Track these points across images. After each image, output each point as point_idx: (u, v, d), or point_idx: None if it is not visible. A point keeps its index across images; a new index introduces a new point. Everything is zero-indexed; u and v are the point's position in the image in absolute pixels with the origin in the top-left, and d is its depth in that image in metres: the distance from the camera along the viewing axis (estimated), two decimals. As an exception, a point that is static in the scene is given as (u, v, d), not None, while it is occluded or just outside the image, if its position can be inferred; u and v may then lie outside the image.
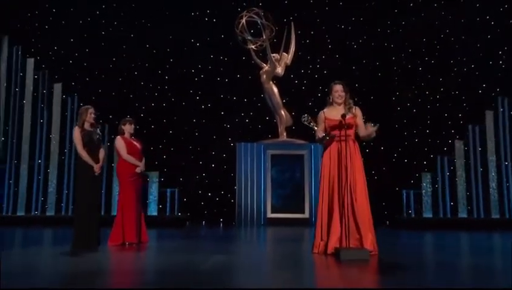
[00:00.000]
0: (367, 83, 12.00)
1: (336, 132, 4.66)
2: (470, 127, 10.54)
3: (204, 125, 11.65)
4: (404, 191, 10.14)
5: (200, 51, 12.02)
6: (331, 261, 4.19)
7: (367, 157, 11.40)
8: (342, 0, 12.25)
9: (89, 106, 5.38)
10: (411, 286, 3.20)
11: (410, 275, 3.69)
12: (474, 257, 5.19)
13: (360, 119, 4.87)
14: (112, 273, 3.85)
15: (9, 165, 10.74)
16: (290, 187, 10.26)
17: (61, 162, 10.43)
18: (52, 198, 10.33)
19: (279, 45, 11.14)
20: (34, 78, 10.91)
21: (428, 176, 10.11)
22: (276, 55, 11.06)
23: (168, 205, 9.78)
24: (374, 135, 4.73)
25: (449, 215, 10.07)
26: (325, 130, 4.79)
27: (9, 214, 10.55)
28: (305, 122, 4.71)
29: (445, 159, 10.36)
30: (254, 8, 10.88)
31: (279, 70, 11.05)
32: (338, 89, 4.85)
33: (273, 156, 10.29)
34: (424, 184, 10.03)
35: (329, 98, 4.93)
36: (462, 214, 10.04)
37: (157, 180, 9.80)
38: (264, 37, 10.84)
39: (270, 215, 10.11)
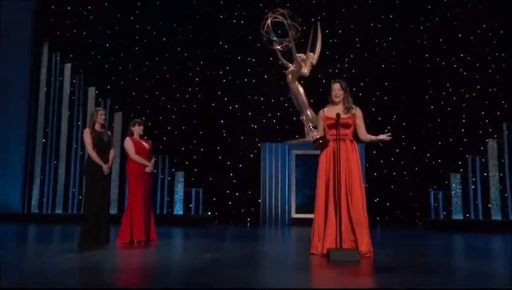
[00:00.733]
0: (398, 82, 11.78)
1: (333, 131, 4.62)
2: (504, 125, 10.11)
3: (232, 125, 11.83)
4: (432, 192, 9.86)
5: (229, 52, 12.21)
6: (325, 262, 4.18)
7: (395, 157, 11.36)
8: (371, -2, 12.09)
9: (99, 108, 5.64)
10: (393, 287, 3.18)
11: (396, 277, 3.65)
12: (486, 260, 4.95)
13: (360, 120, 4.79)
14: (101, 270, 3.92)
15: (49, 165, 11.39)
16: (314, 187, 10.17)
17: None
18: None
19: (305, 45, 11.16)
20: (71, 82, 11.51)
21: (458, 177, 9.79)
22: (302, 55, 11.06)
23: (193, 204, 10.01)
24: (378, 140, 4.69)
25: (481, 217, 9.70)
26: (324, 129, 4.78)
27: (49, 212, 11.19)
28: (304, 122, 4.72)
29: (477, 158, 9.99)
30: (279, 9, 10.94)
31: (305, 70, 11.05)
32: (335, 87, 4.80)
33: (297, 156, 10.30)
34: (454, 185, 9.71)
35: (330, 97, 4.90)
36: (496, 216, 9.66)
37: (182, 180, 10.07)
38: (290, 37, 10.87)
39: (294, 215, 10.14)
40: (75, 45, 12.10)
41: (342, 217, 4.39)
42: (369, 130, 11.64)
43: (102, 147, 5.36)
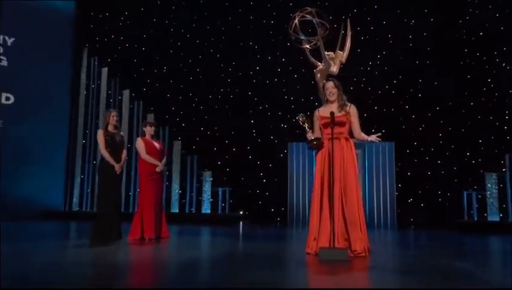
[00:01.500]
0: (433, 78, 11.39)
1: (328, 130, 4.59)
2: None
3: (262, 125, 11.89)
4: (465, 193, 9.46)
5: (259, 52, 12.29)
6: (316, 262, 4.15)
7: (430, 156, 10.97)
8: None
9: (112, 110, 5.89)
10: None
11: (381, 276, 3.58)
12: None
13: (354, 118, 4.74)
14: (105, 264, 4.08)
15: (88, 165, 11.95)
16: (343, 187, 10.08)
17: (127, 163, 11.37)
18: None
19: (335, 43, 11.03)
20: (108, 85, 12.02)
21: (494, 176, 9.33)
22: (331, 54, 10.92)
23: (219, 203, 10.17)
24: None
25: (518, 219, 9.21)
26: (320, 129, 4.76)
27: (88, 209, 11.75)
28: (300, 122, 4.71)
29: (516, 157, 9.49)
30: (307, 8, 10.86)
31: (334, 68, 10.85)
32: (329, 86, 4.81)
33: (325, 155, 10.19)
34: (489, 185, 9.28)
35: (324, 96, 4.87)
36: (537, 218, 9.13)
37: (210, 179, 10.25)
38: (318, 35, 10.77)
39: (322, 215, 10.03)
40: (112, 49, 12.61)
41: (335, 216, 4.35)
42: (402, 128, 11.37)
43: (114, 147, 5.60)
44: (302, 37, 11.01)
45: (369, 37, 11.82)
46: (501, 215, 9.30)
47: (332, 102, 4.76)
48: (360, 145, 10.23)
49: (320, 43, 10.77)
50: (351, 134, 4.78)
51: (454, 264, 4.31)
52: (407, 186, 10.87)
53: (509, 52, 11.13)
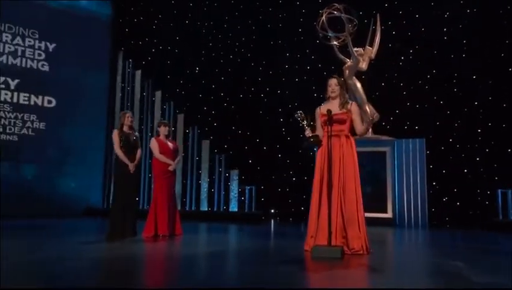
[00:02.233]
0: (470, 73, 10.93)
1: (328, 128, 4.55)
2: None
3: (291, 123, 11.85)
4: (499, 191, 9.04)
5: (288, 50, 12.27)
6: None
7: (465, 153, 10.52)
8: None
9: (127, 111, 6.10)
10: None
11: (369, 275, 3.53)
12: None
13: (356, 115, 4.68)
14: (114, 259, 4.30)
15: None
16: (371, 185, 9.91)
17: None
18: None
19: (365, 39, 10.84)
20: (141, 87, 12.42)
21: (531, 174, 8.86)
22: (359, 50, 10.76)
23: (246, 201, 10.27)
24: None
25: (560, 219, 8.69)
26: (321, 126, 4.74)
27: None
28: (298, 119, 4.70)
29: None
30: (335, 4, 10.73)
31: (363, 65, 10.71)
32: (331, 83, 4.76)
33: (352, 153, 10.03)
34: (526, 183, 8.81)
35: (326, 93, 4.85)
36: None
37: (237, 178, 10.36)
38: (345, 32, 10.62)
39: (350, 214, 9.90)
40: (145, 51, 13.01)
41: (332, 214, 4.31)
42: (436, 124, 10.97)
43: (129, 147, 5.80)
44: (330, 34, 10.92)
45: (401, 32, 11.52)
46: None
47: (334, 98, 4.74)
48: (389, 143, 10.01)
49: (348, 40, 10.62)
50: (353, 132, 4.74)
51: (450, 263, 4.16)
52: (441, 185, 10.52)
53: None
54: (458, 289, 3.02)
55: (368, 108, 10.53)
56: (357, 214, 4.46)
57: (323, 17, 10.77)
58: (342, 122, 4.59)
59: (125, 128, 5.87)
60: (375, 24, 10.89)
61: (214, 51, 12.80)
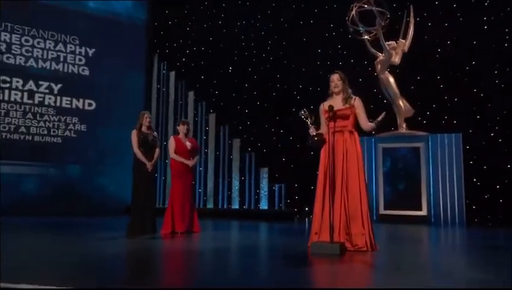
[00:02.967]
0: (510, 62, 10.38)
1: (332, 124, 4.49)
2: None
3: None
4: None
5: (319, 47, 12.12)
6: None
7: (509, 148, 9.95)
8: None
9: (145, 111, 6.26)
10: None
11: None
12: None
13: (360, 110, 4.61)
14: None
15: (160, 164, 12.70)
16: (404, 182, 9.62)
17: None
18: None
19: (398, 32, 10.54)
20: (175, 88, 12.68)
21: None
22: (392, 43, 10.48)
23: (276, 199, 10.24)
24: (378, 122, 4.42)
25: None
26: (325, 123, 4.67)
27: (161, 206, 12.48)
28: (302, 117, 4.67)
29: None
30: (365, -4, 10.50)
31: (396, 58, 10.44)
32: (334, 78, 4.72)
33: (384, 149, 9.79)
34: None
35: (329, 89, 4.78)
36: None
37: (267, 176, 10.35)
38: (376, 25, 10.36)
39: (383, 211, 9.67)
40: (179, 53, 13.27)
41: (335, 211, 4.24)
42: (476, 118, 10.52)
43: (147, 146, 5.96)
44: (361, 28, 10.68)
45: (437, 22, 11.09)
46: None
47: (337, 94, 4.67)
48: (423, 138, 9.67)
49: (380, 33, 10.36)
50: (359, 127, 4.64)
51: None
52: (482, 181, 10.04)
53: None
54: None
55: (402, 103, 10.24)
56: (360, 210, 4.38)
57: (354, 11, 10.57)
58: (345, 117, 4.55)
59: (143, 129, 6.03)
60: (408, 16, 10.57)
61: (246, 50, 12.85)
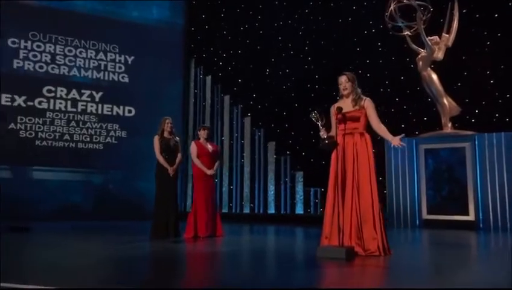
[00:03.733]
0: None
1: (342, 126, 4.32)
2: None
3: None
4: None
5: (358, 45, 11.71)
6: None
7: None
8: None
9: (167, 117, 6.23)
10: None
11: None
12: None
13: (371, 110, 4.47)
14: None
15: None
16: (449, 185, 9.01)
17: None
18: (225, 197, 11.73)
19: (441, 26, 9.96)
20: (211, 93, 12.67)
21: None
22: (435, 38, 9.91)
23: (311, 203, 9.92)
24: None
25: None
26: (336, 125, 4.45)
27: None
28: (313, 119, 4.46)
29: None
30: (404, -9, 10.01)
31: (439, 54, 9.83)
32: (341, 80, 4.57)
33: (427, 150, 9.22)
34: None
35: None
36: None
37: (302, 180, 10.05)
38: (417, 20, 9.84)
39: (426, 216, 9.10)
40: (215, 57, 13.28)
41: (344, 214, 4.11)
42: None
43: (169, 151, 5.95)
44: (401, 24, 10.18)
45: (485, 14, 10.40)
46: None
47: (347, 96, 4.54)
48: (469, 137, 9.04)
49: (420, 28, 9.82)
50: (370, 128, 4.39)
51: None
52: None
53: None
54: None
55: (446, 101, 9.64)
56: (372, 214, 4.23)
57: (392, 7, 10.10)
58: (355, 119, 4.40)
59: (165, 134, 6.03)
60: (453, 8, 9.96)
61: (283, 52, 12.65)
